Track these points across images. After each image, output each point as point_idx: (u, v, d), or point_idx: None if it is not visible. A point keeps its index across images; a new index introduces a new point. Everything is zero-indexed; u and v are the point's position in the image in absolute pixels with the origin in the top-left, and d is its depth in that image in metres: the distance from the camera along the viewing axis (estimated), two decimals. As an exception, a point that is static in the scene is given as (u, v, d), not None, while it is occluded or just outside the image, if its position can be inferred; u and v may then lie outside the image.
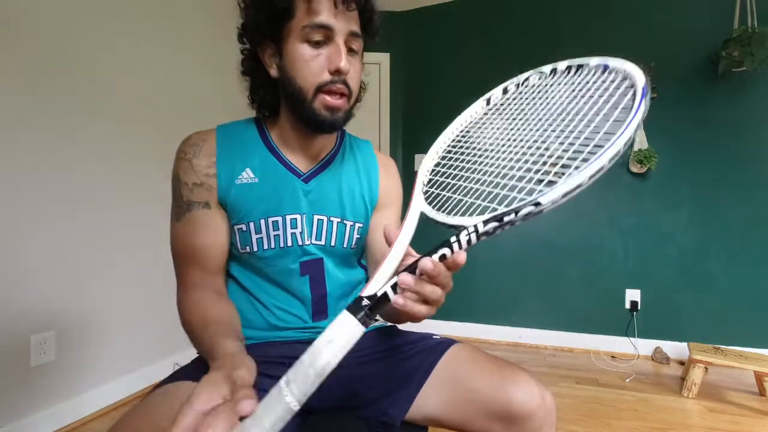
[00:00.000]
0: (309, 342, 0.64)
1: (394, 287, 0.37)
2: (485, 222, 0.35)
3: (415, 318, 0.41)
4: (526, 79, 0.47)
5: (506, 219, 0.34)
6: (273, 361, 0.60)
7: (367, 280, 0.74)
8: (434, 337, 0.66)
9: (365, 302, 0.36)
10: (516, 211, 0.33)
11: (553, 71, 0.42)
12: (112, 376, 1.50)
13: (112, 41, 1.49)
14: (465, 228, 0.36)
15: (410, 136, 2.66)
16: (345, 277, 0.70)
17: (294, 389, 0.33)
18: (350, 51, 0.59)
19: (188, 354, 0.56)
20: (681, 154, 2.15)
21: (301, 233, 0.64)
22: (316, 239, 0.66)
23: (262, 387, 0.55)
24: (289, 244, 0.64)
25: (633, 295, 2.22)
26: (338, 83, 0.58)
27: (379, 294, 0.37)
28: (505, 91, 0.49)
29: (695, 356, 1.68)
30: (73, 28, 1.35)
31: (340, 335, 0.35)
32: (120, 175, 1.52)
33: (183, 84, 1.80)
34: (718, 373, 1.90)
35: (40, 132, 1.26)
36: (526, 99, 0.47)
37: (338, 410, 0.60)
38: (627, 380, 1.84)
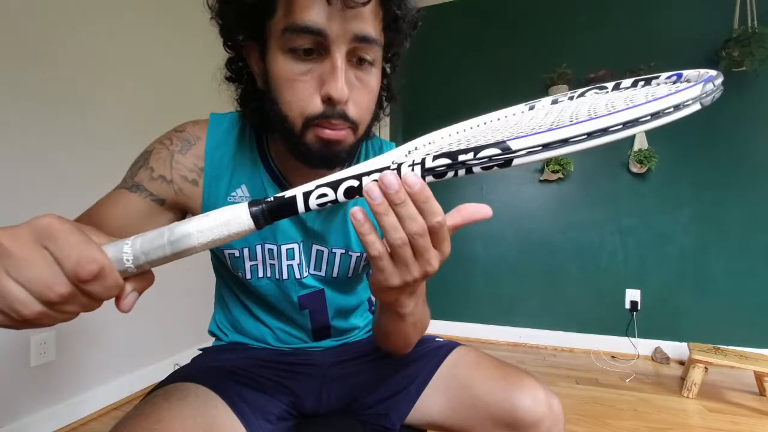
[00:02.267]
0: (309, 353, 0.63)
1: (307, 195, 0.29)
2: (436, 156, 0.28)
3: (381, 284, 0.33)
4: (582, 94, 0.37)
5: (461, 158, 0.27)
6: (266, 364, 0.59)
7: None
8: (437, 339, 0.65)
9: (269, 199, 0.30)
10: (476, 150, 0.26)
11: (617, 85, 0.36)
12: (112, 376, 1.49)
13: (108, 37, 1.49)
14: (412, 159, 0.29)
15: (411, 138, 2.66)
16: (350, 300, 0.64)
17: (138, 242, 0.28)
18: (359, 63, 0.43)
19: (188, 354, 0.56)
20: (681, 154, 2.15)
21: (298, 265, 0.57)
22: (315, 269, 0.58)
23: (260, 388, 0.55)
24: (285, 276, 0.57)
25: (633, 295, 2.22)
26: (334, 117, 0.42)
27: (287, 196, 0.30)
28: (554, 102, 0.39)
29: (695, 356, 1.68)
30: (68, 25, 1.35)
31: (219, 215, 0.29)
32: (120, 174, 1.52)
33: (182, 81, 1.80)
34: (718, 373, 1.90)
35: (40, 131, 1.26)
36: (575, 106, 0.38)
37: (338, 413, 0.60)
38: (627, 380, 1.84)
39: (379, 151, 0.63)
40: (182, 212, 0.56)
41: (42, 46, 1.26)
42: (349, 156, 0.48)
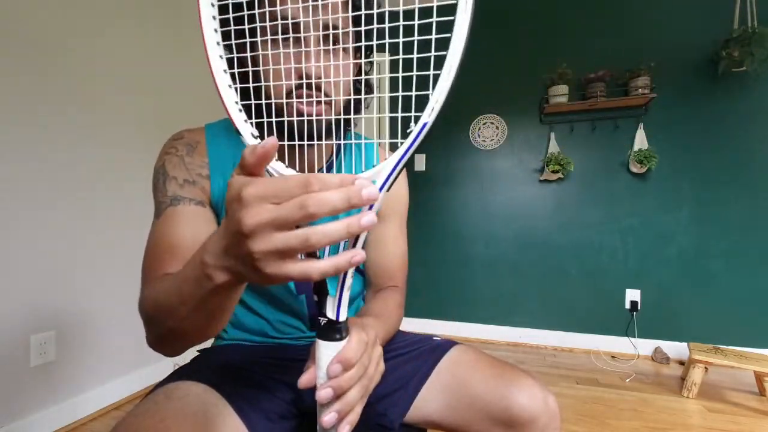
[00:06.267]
0: (304, 347, 0.64)
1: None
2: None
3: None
4: None
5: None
6: (266, 362, 0.60)
7: (365, 286, 0.72)
8: (435, 338, 0.66)
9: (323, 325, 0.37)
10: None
11: None
12: (112, 376, 1.50)
13: (103, 37, 1.49)
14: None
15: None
16: None
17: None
18: (334, 46, 0.49)
19: (188, 354, 0.56)
20: (681, 154, 2.16)
21: None
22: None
23: (260, 387, 0.55)
24: None
25: (633, 295, 2.22)
26: (307, 90, 0.48)
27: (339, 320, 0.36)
28: None
29: (695, 356, 1.68)
30: (62, 22, 1.35)
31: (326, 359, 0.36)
32: (120, 175, 1.52)
33: (181, 80, 1.80)
34: (718, 373, 1.90)
35: (40, 133, 1.26)
36: None
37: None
38: (627, 380, 1.85)
39: (368, 150, 0.67)
40: (214, 210, 0.58)
41: (44, 46, 1.26)
42: (328, 132, 0.51)
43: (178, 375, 0.53)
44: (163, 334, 0.41)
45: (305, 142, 0.41)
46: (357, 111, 0.56)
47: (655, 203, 2.20)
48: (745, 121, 2.05)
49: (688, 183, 2.15)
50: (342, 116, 0.51)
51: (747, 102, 2.04)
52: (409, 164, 3.01)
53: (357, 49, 0.55)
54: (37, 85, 1.25)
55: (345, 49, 0.50)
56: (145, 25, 1.63)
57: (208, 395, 0.48)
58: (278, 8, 0.45)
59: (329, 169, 0.62)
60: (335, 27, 0.47)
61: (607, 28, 2.29)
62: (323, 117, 0.48)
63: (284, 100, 0.47)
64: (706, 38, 2.07)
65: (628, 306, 2.23)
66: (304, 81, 0.46)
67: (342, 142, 0.59)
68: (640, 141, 2.18)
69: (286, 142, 0.42)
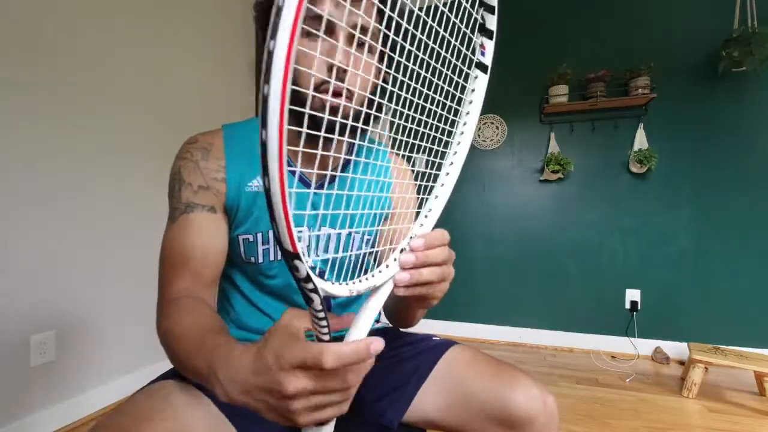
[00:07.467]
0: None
1: None
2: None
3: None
4: None
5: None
6: None
7: None
8: (434, 338, 0.66)
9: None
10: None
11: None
12: (112, 376, 1.50)
13: (113, 38, 1.49)
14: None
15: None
16: None
17: None
18: (359, 47, 0.52)
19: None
20: (681, 154, 2.16)
21: (307, 246, 0.61)
22: (323, 251, 0.63)
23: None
24: None
25: (633, 295, 2.22)
26: (335, 82, 0.53)
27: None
28: None
29: (695, 356, 1.68)
30: (72, 25, 1.35)
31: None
32: (120, 175, 1.52)
33: (185, 82, 1.80)
34: (718, 373, 1.90)
35: (40, 132, 1.26)
36: None
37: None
38: (627, 380, 1.84)
39: (382, 153, 0.69)
40: (227, 212, 0.61)
41: (44, 46, 1.26)
42: (345, 129, 0.54)
43: (165, 375, 0.53)
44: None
45: (322, 134, 0.43)
46: (374, 118, 0.60)
47: (655, 203, 2.20)
48: (745, 121, 2.05)
49: (688, 183, 2.15)
50: (362, 110, 0.53)
51: (747, 102, 2.04)
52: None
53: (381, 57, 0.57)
54: (37, 85, 1.25)
55: (370, 52, 0.54)
56: (148, 24, 1.63)
57: (190, 393, 0.48)
58: (317, 8, 0.48)
59: (344, 170, 0.64)
60: (364, 27, 0.51)
61: (607, 28, 2.29)
62: (346, 104, 0.51)
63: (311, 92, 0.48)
64: (706, 38, 2.07)
65: (628, 306, 2.23)
66: (334, 75, 0.49)
67: (356, 141, 0.60)
68: (640, 141, 2.18)
69: (317, 144, 0.46)
